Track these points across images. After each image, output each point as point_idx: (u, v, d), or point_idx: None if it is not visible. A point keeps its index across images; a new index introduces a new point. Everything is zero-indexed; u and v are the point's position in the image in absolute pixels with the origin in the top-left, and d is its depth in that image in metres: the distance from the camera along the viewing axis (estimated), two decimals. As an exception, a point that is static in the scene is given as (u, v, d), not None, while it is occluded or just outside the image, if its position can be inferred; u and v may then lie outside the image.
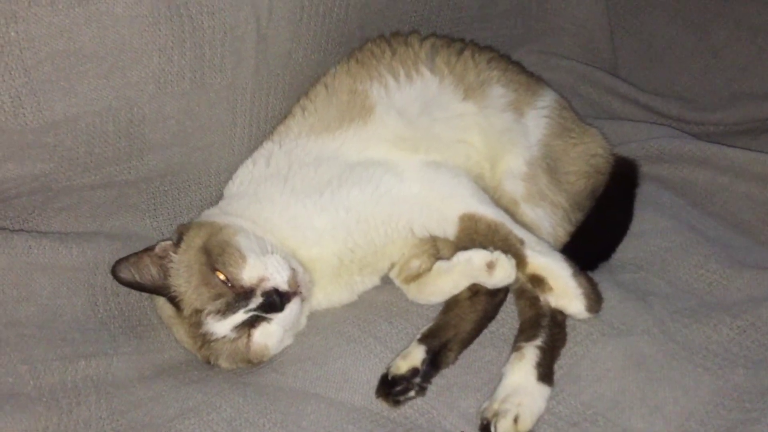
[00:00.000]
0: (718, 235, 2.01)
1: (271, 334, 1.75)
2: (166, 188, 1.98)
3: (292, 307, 1.73)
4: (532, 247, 1.78)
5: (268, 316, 1.71)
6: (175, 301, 1.75)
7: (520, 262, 1.77)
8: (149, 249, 1.78)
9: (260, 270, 1.72)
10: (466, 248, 1.80)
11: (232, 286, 1.72)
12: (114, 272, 1.72)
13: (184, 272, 1.74)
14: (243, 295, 1.71)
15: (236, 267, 1.72)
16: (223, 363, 1.77)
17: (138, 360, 1.81)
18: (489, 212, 1.83)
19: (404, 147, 1.94)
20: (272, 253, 1.75)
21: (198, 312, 1.72)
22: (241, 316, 1.70)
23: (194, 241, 1.78)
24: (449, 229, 1.85)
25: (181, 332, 1.80)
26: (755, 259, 1.91)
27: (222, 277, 1.72)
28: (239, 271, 1.72)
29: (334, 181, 1.86)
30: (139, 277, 1.74)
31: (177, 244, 1.79)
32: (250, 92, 2.00)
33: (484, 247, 1.78)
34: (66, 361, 1.70)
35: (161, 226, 2.01)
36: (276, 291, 1.70)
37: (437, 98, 2.03)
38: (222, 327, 1.71)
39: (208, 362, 1.78)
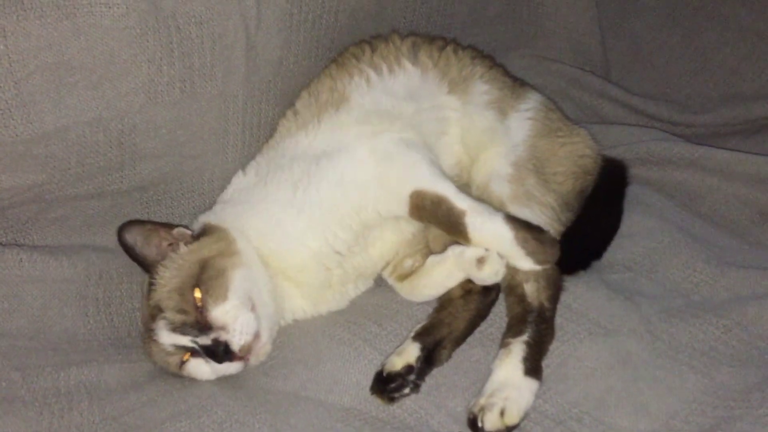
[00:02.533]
0: (706, 235, 2.02)
1: (201, 372, 1.75)
2: (159, 197, 2.00)
3: (229, 366, 1.72)
4: (474, 219, 1.77)
5: (206, 358, 1.71)
6: (150, 286, 1.77)
7: (464, 235, 1.78)
8: (169, 227, 1.81)
9: (229, 319, 1.70)
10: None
11: (201, 313, 1.72)
12: (121, 230, 1.74)
13: (174, 269, 1.76)
14: (200, 326, 1.71)
15: (214, 300, 1.71)
16: (157, 362, 1.78)
17: (129, 367, 1.81)
18: (433, 187, 1.81)
19: (379, 122, 1.92)
20: (251, 311, 1.73)
21: (158, 310, 1.73)
22: (185, 340, 1.71)
23: (203, 249, 1.79)
24: (403, 208, 1.84)
25: (142, 311, 1.82)
26: (742, 258, 1.93)
27: (198, 296, 1.72)
28: (214, 305, 1.71)
29: (303, 178, 1.85)
30: (139, 248, 1.76)
31: (193, 239, 1.81)
32: (242, 100, 2.02)
33: (432, 224, 1.83)
34: (58, 368, 1.71)
35: (154, 235, 2.03)
36: (226, 346, 1.69)
37: (421, 89, 2.03)
38: (165, 337, 1.72)
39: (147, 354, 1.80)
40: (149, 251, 1.77)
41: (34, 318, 1.76)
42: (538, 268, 1.76)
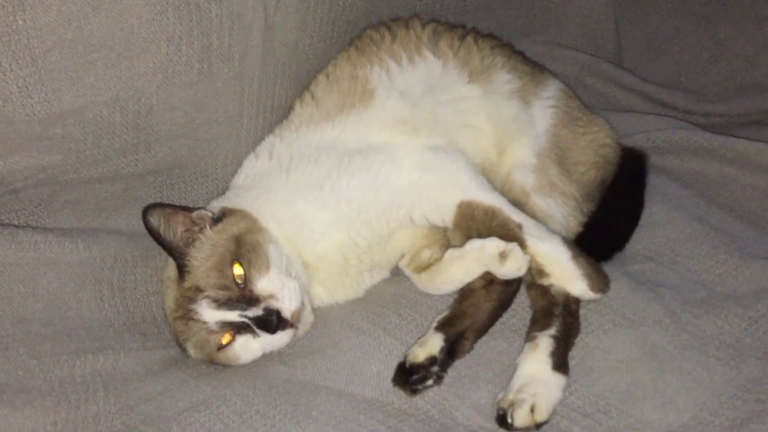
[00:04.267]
0: (727, 226, 2.01)
1: (249, 350, 1.73)
2: (172, 181, 1.97)
3: (282, 336, 1.71)
4: (531, 232, 1.76)
5: (258, 331, 1.69)
6: (182, 269, 1.74)
7: (520, 246, 1.75)
8: (188, 209, 1.77)
9: (276, 286, 1.71)
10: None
11: (243, 287, 1.70)
12: (145, 213, 1.70)
13: (207, 249, 1.74)
14: (247, 299, 1.69)
15: (258, 271, 1.71)
16: (190, 347, 1.75)
17: (145, 355, 1.79)
18: (486, 198, 1.81)
19: (405, 130, 1.91)
20: (294, 278, 1.74)
21: (197, 291, 1.70)
22: (233, 316, 1.69)
23: (232, 227, 1.77)
24: (447, 217, 1.83)
25: (170, 296, 1.79)
26: (764, 249, 1.92)
27: (238, 272, 1.70)
28: (258, 276, 1.71)
29: (333, 172, 1.83)
30: (164, 230, 1.72)
31: (216, 222, 1.78)
32: (257, 82, 1.98)
33: (481, 234, 1.78)
34: (73, 356, 1.69)
35: (168, 219, 1.99)
36: (278, 313, 1.69)
37: (441, 80, 2.01)
38: (210, 315, 1.69)
39: (177, 339, 1.78)
40: (171, 233, 1.73)
41: (50, 302, 1.72)
42: (589, 294, 1.73)
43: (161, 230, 1.72)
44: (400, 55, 2.02)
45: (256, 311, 1.69)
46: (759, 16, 2.57)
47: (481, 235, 1.79)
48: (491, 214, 1.79)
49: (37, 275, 1.71)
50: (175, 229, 1.74)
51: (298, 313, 1.72)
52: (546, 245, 1.75)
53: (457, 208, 1.81)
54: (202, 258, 1.73)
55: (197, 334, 1.72)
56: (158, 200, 1.95)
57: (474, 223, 1.81)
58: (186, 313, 1.72)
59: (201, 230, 1.76)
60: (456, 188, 1.83)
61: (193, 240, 1.75)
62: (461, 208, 1.81)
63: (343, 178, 1.82)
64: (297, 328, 1.73)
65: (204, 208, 1.83)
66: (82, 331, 1.75)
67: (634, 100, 2.60)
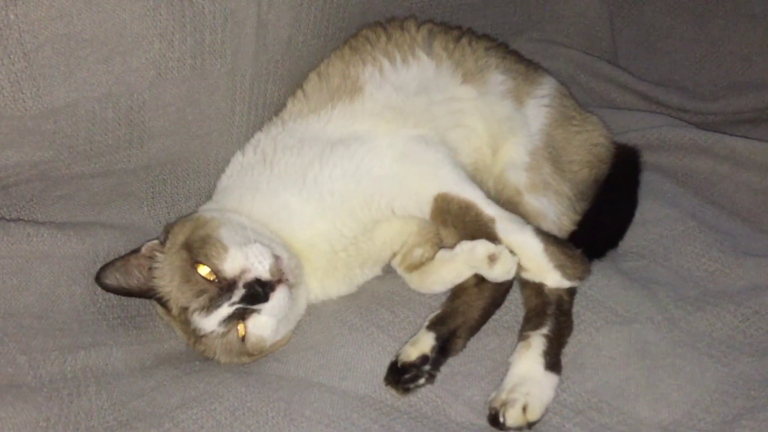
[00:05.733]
0: (720, 223, 2.02)
1: (263, 325, 1.71)
2: (164, 177, 1.96)
3: (278, 296, 1.68)
4: (504, 226, 1.76)
5: (255, 307, 1.67)
6: (162, 302, 1.73)
7: (494, 239, 1.75)
8: (135, 251, 1.76)
9: (241, 260, 1.67)
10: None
11: (217, 280, 1.68)
12: (99, 279, 1.69)
13: (167, 272, 1.71)
14: (226, 287, 1.67)
15: (218, 259, 1.68)
16: (222, 358, 1.73)
17: (138, 350, 1.78)
18: (462, 191, 1.80)
19: (392, 118, 1.90)
20: (254, 241, 1.70)
21: (184, 310, 1.69)
22: (225, 310, 1.66)
23: (177, 238, 1.75)
24: (424, 209, 1.82)
25: (176, 329, 1.79)
26: (757, 247, 1.92)
27: (205, 271, 1.68)
28: (221, 262, 1.68)
29: (315, 162, 1.83)
30: (125, 282, 1.71)
31: (163, 243, 1.76)
32: (249, 79, 1.97)
33: (457, 227, 1.79)
34: (65, 352, 1.67)
35: (159, 214, 1.99)
36: (258, 281, 1.66)
37: (435, 80, 2.00)
38: (208, 323, 1.67)
39: (208, 358, 1.76)
40: (134, 280, 1.73)
41: (43, 295, 1.71)
42: (566, 283, 1.73)
43: (122, 284, 1.72)
44: (393, 55, 2.01)
45: (239, 293, 1.66)
46: (753, 14, 2.57)
47: (457, 228, 1.80)
48: (465, 208, 1.78)
49: (29, 268, 1.70)
50: (134, 274, 1.73)
51: (276, 268, 1.69)
52: (518, 239, 1.74)
53: (433, 200, 1.80)
54: (167, 281, 1.71)
55: (215, 344, 1.71)
56: (150, 195, 1.96)
57: (449, 217, 1.81)
58: (193, 335, 1.71)
59: (155, 260, 1.74)
60: (434, 181, 1.82)
61: (152, 272, 1.73)
62: (437, 201, 1.80)
63: (326, 168, 1.82)
64: (288, 279, 1.70)
65: (149, 240, 1.80)
66: (76, 324, 1.74)
67: (629, 97, 2.60)
